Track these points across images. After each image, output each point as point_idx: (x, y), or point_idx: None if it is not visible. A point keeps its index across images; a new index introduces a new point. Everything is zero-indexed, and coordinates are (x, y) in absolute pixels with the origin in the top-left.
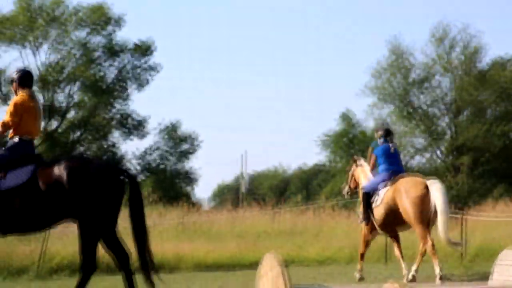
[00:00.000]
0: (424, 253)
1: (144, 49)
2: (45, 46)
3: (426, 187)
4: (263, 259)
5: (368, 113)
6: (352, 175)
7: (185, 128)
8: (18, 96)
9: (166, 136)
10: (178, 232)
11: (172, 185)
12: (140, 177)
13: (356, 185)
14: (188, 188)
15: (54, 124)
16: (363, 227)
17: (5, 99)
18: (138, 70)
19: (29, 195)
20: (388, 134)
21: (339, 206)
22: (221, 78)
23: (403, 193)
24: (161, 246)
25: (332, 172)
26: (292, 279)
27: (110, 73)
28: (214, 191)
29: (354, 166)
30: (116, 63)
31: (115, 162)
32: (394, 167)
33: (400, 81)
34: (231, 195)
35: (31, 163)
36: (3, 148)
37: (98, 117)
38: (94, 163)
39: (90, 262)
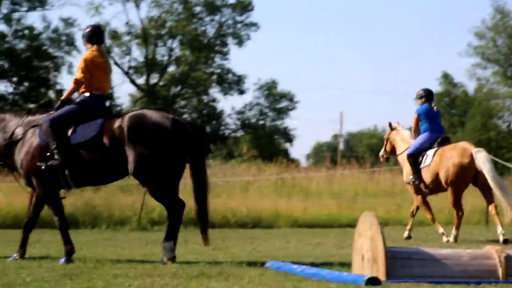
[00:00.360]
0: (459, 219)
1: (244, 5)
2: (147, 0)
3: (471, 155)
4: (361, 218)
5: (471, 74)
6: (388, 139)
7: (283, 87)
8: (87, 52)
9: (265, 92)
10: (276, 188)
11: (270, 141)
12: (239, 133)
13: (392, 149)
14: (286, 145)
15: (155, 78)
16: (410, 189)
17: (108, 52)
18: (239, 26)
19: (96, 150)
20: (430, 97)
21: None
22: (318, 38)
23: (448, 158)
24: (259, 202)
25: None
26: (389, 240)
27: (211, 29)
28: (312, 149)
29: (389, 130)
30: (216, 19)
31: (177, 115)
32: (437, 128)
33: (504, 41)
34: (328, 154)
35: (100, 118)
36: (74, 104)
37: (198, 72)
38: (152, 118)
39: (175, 202)
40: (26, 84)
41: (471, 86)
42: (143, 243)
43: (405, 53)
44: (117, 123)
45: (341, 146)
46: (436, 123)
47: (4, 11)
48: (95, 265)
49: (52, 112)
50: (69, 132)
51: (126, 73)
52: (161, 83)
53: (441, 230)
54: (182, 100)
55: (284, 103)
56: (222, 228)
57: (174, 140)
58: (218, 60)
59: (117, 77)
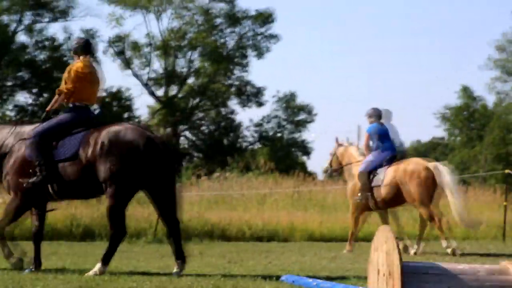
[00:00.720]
0: (442, 230)
1: (265, 17)
2: (168, 12)
3: (430, 169)
4: (378, 232)
5: (490, 87)
6: (334, 154)
7: (301, 99)
8: (73, 63)
9: (283, 105)
10: (293, 201)
11: (288, 154)
12: (257, 145)
13: (339, 165)
14: (303, 158)
15: (174, 89)
16: (351, 205)
17: (128, 63)
18: (259, 38)
19: (77, 165)
20: (379, 116)
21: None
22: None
23: (408, 175)
24: (275, 215)
25: (450, 146)
26: (405, 254)
27: (231, 40)
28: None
29: (336, 145)
30: (236, 30)
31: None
32: (387, 146)
33: None
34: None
35: (81, 131)
36: (60, 116)
37: (217, 84)
38: (126, 134)
39: (119, 228)
40: (45, 95)
41: (490, 100)
42: (158, 255)
43: (424, 67)
44: (94, 137)
45: None
46: (386, 141)
47: (26, 22)
48: (111, 277)
49: (38, 125)
50: (54, 146)
51: (146, 85)
52: (180, 95)
53: (348, 248)
54: (200, 112)
55: (302, 116)
56: (238, 241)
57: (145, 158)
58: (237, 72)
59: (136, 88)
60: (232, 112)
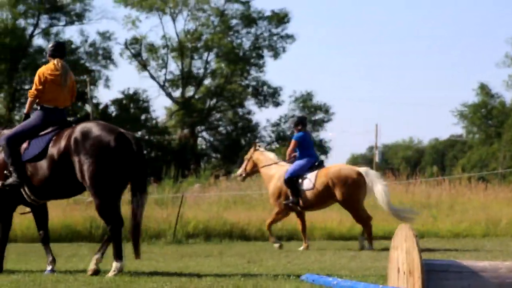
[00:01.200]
0: (370, 230)
1: (281, 17)
2: (184, 13)
3: (361, 174)
4: (397, 230)
5: (508, 84)
6: (250, 159)
7: (318, 98)
8: (43, 66)
9: (301, 105)
10: None
11: None
12: (274, 145)
13: (253, 168)
14: (321, 158)
15: (191, 91)
16: (277, 207)
17: (145, 65)
18: (274, 38)
19: (47, 163)
20: (306, 124)
21: (476, 178)
22: (353, 49)
23: (340, 179)
24: (294, 215)
25: (469, 144)
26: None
27: (247, 41)
28: (347, 161)
29: (252, 150)
30: (252, 31)
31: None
32: (311, 153)
33: None
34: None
35: (51, 131)
36: (28, 119)
37: (233, 85)
38: (97, 131)
39: (114, 220)
40: None
41: (508, 97)
42: (178, 256)
43: (442, 64)
44: (65, 135)
45: (377, 158)
46: (311, 149)
47: (43, 26)
48: (131, 278)
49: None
50: (23, 147)
51: (162, 86)
52: (196, 96)
53: (273, 239)
54: (217, 112)
55: (319, 115)
56: (257, 241)
57: (116, 154)
58: (253, 72)
59: (153, 90)
60: (249, 112)
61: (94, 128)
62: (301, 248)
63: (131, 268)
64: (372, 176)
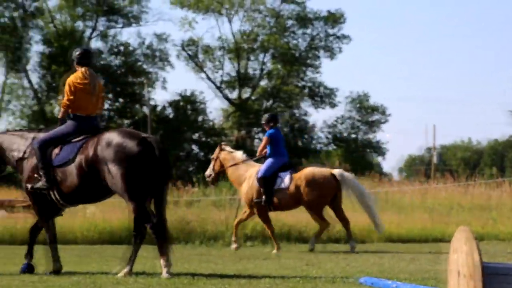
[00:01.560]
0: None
1: (336, 18)
2: (240, 14)
3: (334, 176)
4: (456, 233)
5: None
6: (217, 159)
7: (374, 99)
8: (72, 75)
9: (357, 106)
10: None
11: (362, 155)
12: (331, 147)
13: (221, 168)
14: (378, 159)
15: (247, 92)
16: (255, 208)
17: (201, 67)
18: (330, 39)
19: (76, 170)
20: (277, 121)
21: None
22: (409, 49)
23: (311, 182)
24: (352, 217)
25: None
26: (485, 255)
27: (302, 42)
28: (404, 162)
29: (218, 150)
30: (308, 32)
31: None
32: (282, 152)
33: None
34: (420, 167)
35: (81, 139)
36: (62, 125)
37: (289, 86)
38: (118, 138)
39: (152, 218)
40: (121, 100)
41: None
42: (236, 258)
43: (497, 64)
44: (91, 143)
45: (435, 159)
46: (282, 147)
47: (101, 28)
48: (190, 280)
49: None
50: (55, 152)
51: (218, 88)
52: (253, 97)
53: (234, 239)
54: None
55: (376, 116)
56: (315, 243)
57: (139, 158)
58: (309, 73)
59: (209, 92)
60: (305, 113)
61: (117, 136)
62: (274, 251)
63: (190, 270)
64: (347, 178)
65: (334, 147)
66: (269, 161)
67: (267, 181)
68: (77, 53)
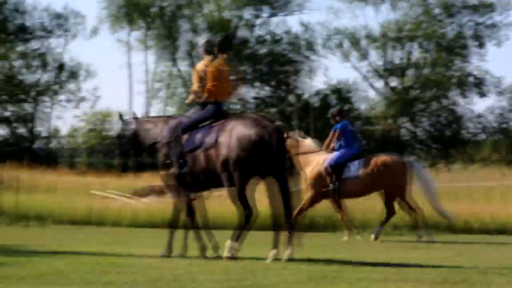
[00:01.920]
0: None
1: (485, 6)
2: (386, 3)
3: (406, 164)
4: None
5: None
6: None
7: None
8: (214, 62)
9: (508, 95)
10: None
11: None
12: (480, 137)
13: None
14: None
15: (393, 81)
16: (310, 193)
17: (347, 56)
18: (480, 27)
19: (203, 155)
20: (343, 115)
21: None
22: None
23: (387, 168)
24: (503, 208)
25: None
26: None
27: (450, 31)
28: None
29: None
30: (456, 21)
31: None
32: (356, 143)
33: None
34: None
35: (209, 124)
36: (200, 111)
37: (437, 76)
38: (240, 124)
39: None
40: (267, 88)
41: None
42: (384, 247)
43: None
44: (216, 128)
45: None
46: (354, 139)
47: (248, 17)
48: (338, 268)
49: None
50: (187, 139)
51: (365, 77)
52: (399, 87)
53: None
54: (421, 103)
55: None
56: (464, 233)
57: (256, 146)
58: (458, 62)
59: (355, 81)
60: (453, 103)
61: (239, 123)
62: (345, 238)
63: (338, 258)
64: (417, 168)
65: (484, 137)
66: (340, 151)
67: (335, 170)
68: (219, 39)
